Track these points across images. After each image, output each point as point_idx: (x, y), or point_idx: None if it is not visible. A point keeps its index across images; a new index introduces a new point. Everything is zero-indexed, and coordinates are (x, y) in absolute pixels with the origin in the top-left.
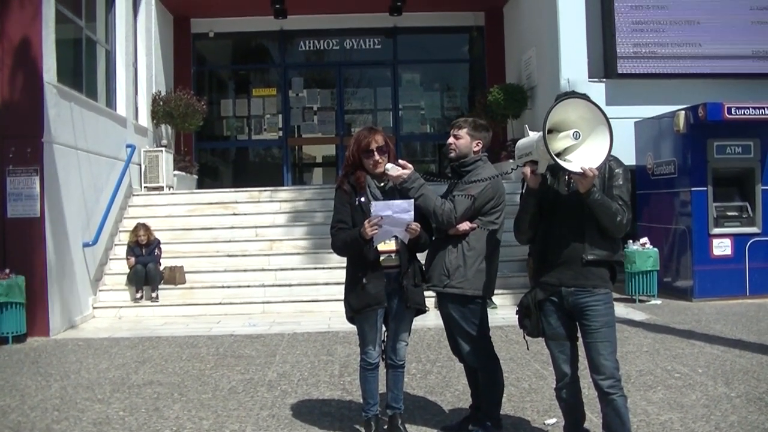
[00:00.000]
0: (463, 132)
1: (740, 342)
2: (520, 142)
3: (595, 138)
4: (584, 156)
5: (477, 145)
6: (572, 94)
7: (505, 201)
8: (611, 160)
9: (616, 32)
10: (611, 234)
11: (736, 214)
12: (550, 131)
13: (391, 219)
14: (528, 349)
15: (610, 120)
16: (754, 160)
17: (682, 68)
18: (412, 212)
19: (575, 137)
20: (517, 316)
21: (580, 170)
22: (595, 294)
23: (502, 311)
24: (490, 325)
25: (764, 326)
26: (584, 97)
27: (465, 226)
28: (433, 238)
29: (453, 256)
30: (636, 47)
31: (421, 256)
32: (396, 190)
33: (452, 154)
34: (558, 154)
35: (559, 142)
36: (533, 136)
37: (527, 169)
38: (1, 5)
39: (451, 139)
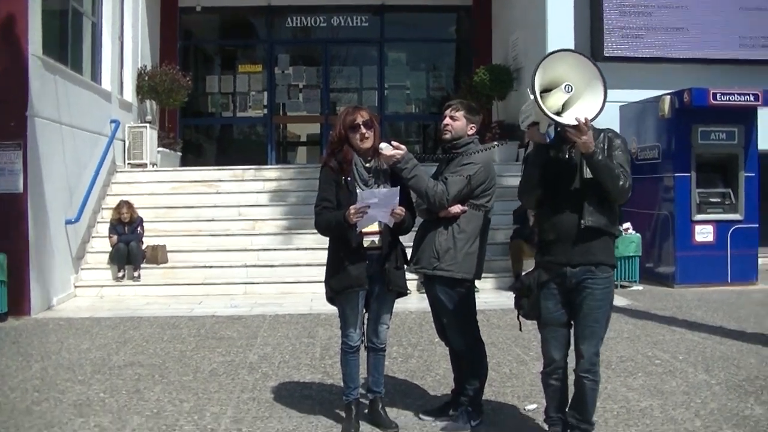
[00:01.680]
0: (459, 114)
1: (721, 329)
2: (523, 107)
3: (590, 93)
4: (581, 111)
5: (471, 128)
6: (561, 50)
7: (495, 184)
8: (609, 132)
9: (603, 15)
10: (614, 198)
11: (718, 200)
12: (547, 90)
13: (377, 206)
14: (521, 330)
15: (603, 74)
16: (737, 146)
17: (668, 52)
18: (398, 199)
19: (567, 90)
20: (514, 295)
21: (574, 122)
22: (597, 276)
23: (484, 295)
24: None
25: (745, 313)
26: (572, 50)
27: (456, 208)
28: (421, 220)
29: (443, 239)
30: (623, 30)
31: (405, 239)
32: (382, 171)
33: (447, 135)
34: (557, 113)
35: (553, 99)
36: (532, 98)
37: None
38: None
39: (447, 120)
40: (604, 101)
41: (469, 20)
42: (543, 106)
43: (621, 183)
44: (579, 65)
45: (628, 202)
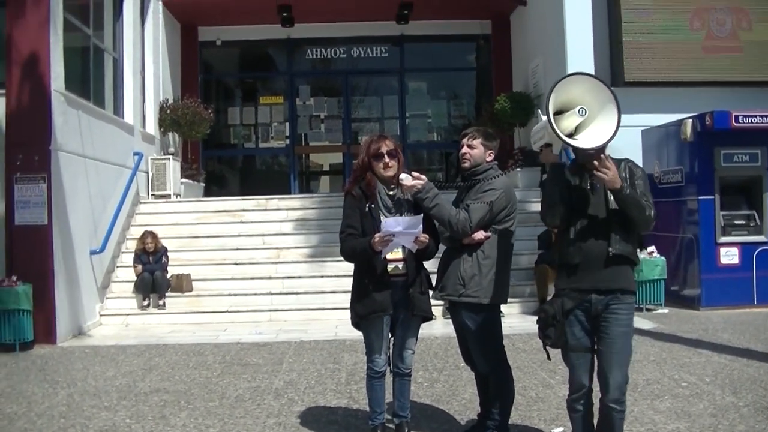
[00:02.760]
0: (477, 142)
1: (748, 351)
2: (534, 128)
3: (604, 116)
4: (595, 134)
5: (489, 155)
6: (575, 73)
7: (516, 209)
8: (629, 163)
9: (623, 40)
10: (641, 228)
11: (743, 222)
12: (560, 112)
13: (401, 233)
14: (549, 358)
15: (617, 98)
16: (761, 168)
17: (689, 76)
18: (422, 227)
19: (581, 114)
20: (537, 325)
21: (586, 146)
22: (622, 301)
23: (509, 319)
24: None
25: None
26: (587, 74)
27: (480, 235)
28: (444, 247)
29: (468, 265)
30: (643, 55)
31: (429, 264)
32: (405, 200)
33: (466, 164)
34: (570, 135)
35: (567, 121)
36: (545, 119)
37: (543, 153)
38: (8, 14)
39: (464, 149)
40: (618, 125)
41: (489, 48)
42: (557, 129)
43: (648, 213)
44: (593, 89)
45: (654, 225)
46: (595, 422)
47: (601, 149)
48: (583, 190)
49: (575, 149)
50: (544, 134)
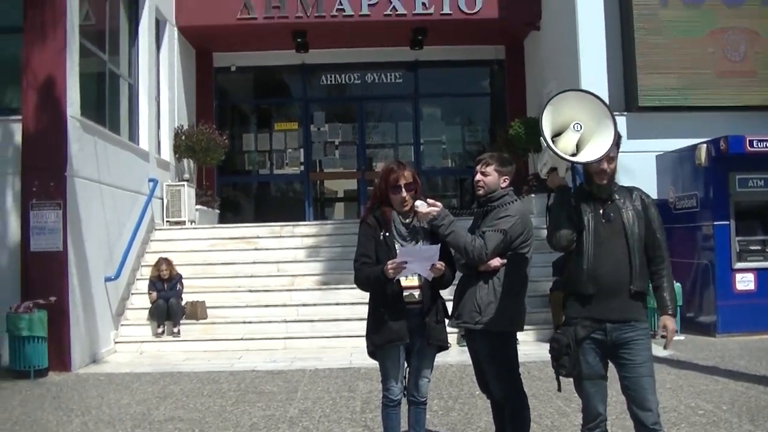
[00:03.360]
0: (490, 169)
1: (765, 378)
2: (540, 155)
3: (601, 128)
4: (595, 148)
5: (504, 181)
6: (563, 91)
7: (533, 235)
8: (641, 192)
9: (637, 64)
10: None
11: (759, 248)
12: (558, 134)
13: (416, 261)
14: (559, 390)
15: (609, 107)
16: None
17: (703, 101)
18: (437, 256)
19: (576, 129)
20: (550, 354)
21: (590, 158)
22: (637, 328)
23: (525, 347)
24: None
25: None
26: (574, 90)
27: (496, 262)
28: (461, 274)
29: (484, 293)
30: (657, 80)
31: (445, 293)
32: (420, 228)
33: (480, 191)
34: (573, 155)
35: (565, 140)
36: (544, 144)
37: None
38: (25, 40)
39: (478, 176)
40: (616, 133)
41: (503, 73)
42: (554, 148)
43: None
44: (584, 104)
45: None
46: None
47: (606, 156)
48: (596, 217)
49: (584, 169)
50: (548, 159)
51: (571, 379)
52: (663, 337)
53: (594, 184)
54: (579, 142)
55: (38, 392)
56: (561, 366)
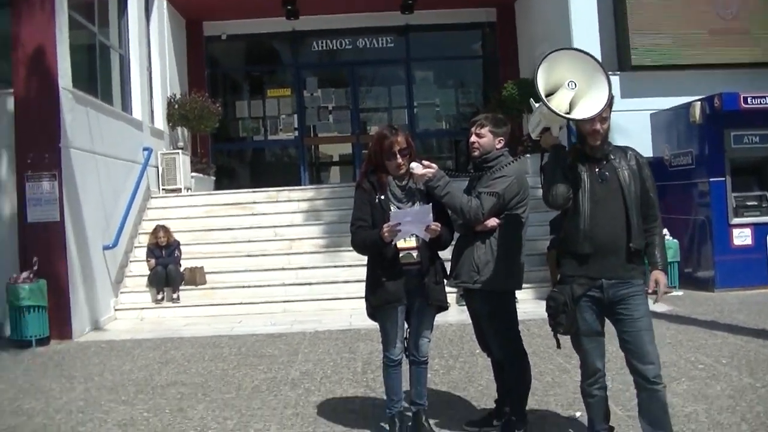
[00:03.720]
0: (485, 130)
1: (764, 331)
2: (531, 117)
3: (595, 87)
4: (590, 105)
5: (499, 142)
6: (556, 50)
7: (529, 195)
8: (635, 152)
9: (629, 24)
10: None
11: (755, 203)
12: (551, 94)
13: (411, 223)
14: (558, 347)
15: (606, 70)
16: None
17: (696, 58)
18: (431, 216)
19: (570, 87)
20: (547, 313)
21: (586, 115)
22: (634, 285)
23: (524, 305)
24: None
25: None
26: (567, 48)
27: (492, 222)
28: (458, 234)
29: (481, 252)
30: (649, 39)
31: (443, 254)
32: (416, 189)
33: (476, 153)
34: (567, 113)
35: (558, 99)
36: (538, 106)
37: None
38: (14, 13)
39: (473, 138)
40: (610, 90)
41: (494, 36)
42: (550, 105)
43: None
44: (578, 62)
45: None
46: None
47: (600, 115)
48: (592, 177)
49: (577, 126)
50: (540, 119)
51: (570, 337)
52: (654, 292)
53: (587, 144)
54: (573, 100)
55: (40, 361)
56: (558, 324)
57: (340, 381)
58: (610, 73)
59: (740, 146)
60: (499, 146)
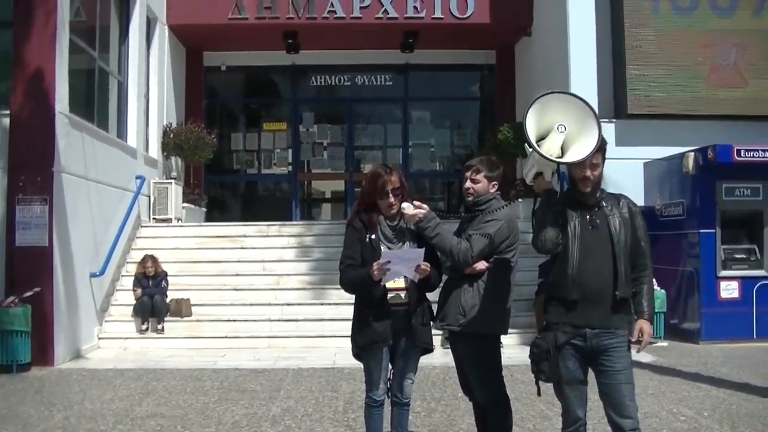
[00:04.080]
0: (481, 176)
1: (747, 385)
2: (525, 162)
3: (585, 131)
4: (580, 148)
5: (493, 186)
6: (544, 94)
7: (519, 240)
8: (628, 200)
9: (627, 74)
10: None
11: (744, 256)
12: (542, 138)
13: (400, 263)
14: (539, 394)
15: (596, 114)
16: (763, 202)
17: (692, 109)
18: (422, 259)
19: (560, 130)
20: (530, 359)
21: (576, 158)
22: (617, 335)
23: (508, 350)
24: None
25: None
26: (557, 92)
27: (481, 265)
28: (445, 277)
29: (469, 295)
30: (646, 88)
31: (431, 296)
32: (407, 230)
33: (470, 199)
34: (559, 157)
35: (549, 143)
36: (530, 150)
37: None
38: (16, 34)
39: (468, 184)
40: (600, 133)
41: (493, 78)
42: (538, 148)
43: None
44: (569, 107)
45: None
46: None
47: (589, 159)
48: (583, 223)
49: (569, 172)
50: (533, 163)
51: (552, 385)
52: (638, 342)
53: (578, 191)
54: (564, 145)
55: (20, 386)
56: (540, 371)
57: (321, 419)
58: (606, 120)
59: (731, 198)
60: (492, 190)
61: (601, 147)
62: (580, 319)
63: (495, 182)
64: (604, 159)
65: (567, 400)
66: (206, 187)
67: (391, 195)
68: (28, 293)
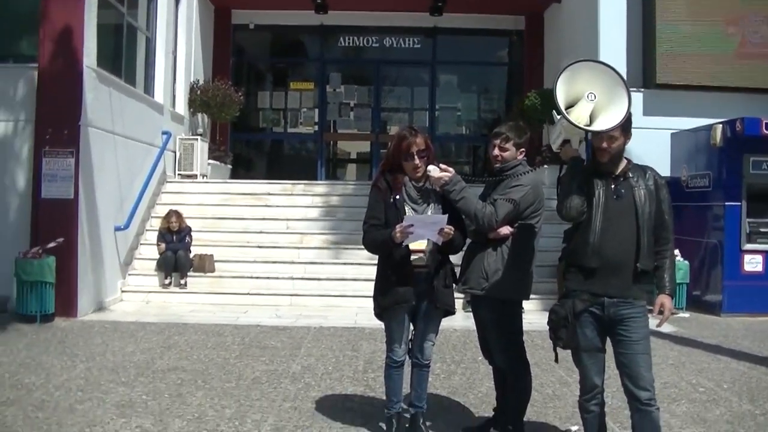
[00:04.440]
0: (509, 145)
1: (767, 359)
2: (552, 129)
3: (615, 100)
4: (609, 117)
5: (521, 153)
6: (576, 61)
7: (544, 206)
8: (654, 173)
9: (657, 41)
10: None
11: None
12: (571, 106)
13: (423, 227)
14: (557, 361)
15: (626, 82)
16: None
17: (721, 80)
18: (445, 224)
19: (590, 99)
20: (548, 326)
21: (605, 127)
22: (635, 306)
23: (529, 316)
24: None
25: None
26: (588, 60)
27: (505, 230)
28: (469, 241)
29: (492, 260)
30: (676, 57)
31: (454, 258)
32: (432, 191)
33: (498, 165)
34: (587, 125)
35: (578, 111)
36: (558, 118)
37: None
38: None
39: (496, 152)
40: (630, 102)
41: (522, 44)
42: (569, 117)
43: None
44: (599, 74)
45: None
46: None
47: (618, 128)
48: (607, 193)
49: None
50: (561, 131)
51: (570, 352)
52: (660, 313)
53: (596, 160)
54: (592, 113)
55: (44, 337)
56: (558, 338)
57: (341, 378)
58: (634, 89)
59: (758, 172)
60: (520, 157)
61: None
62: (599, 288)
63: (523, 149)
64: (625, 133)
65: (585, 368)
66: (232, 144)
67: (416, 156)
68: (52, 244)
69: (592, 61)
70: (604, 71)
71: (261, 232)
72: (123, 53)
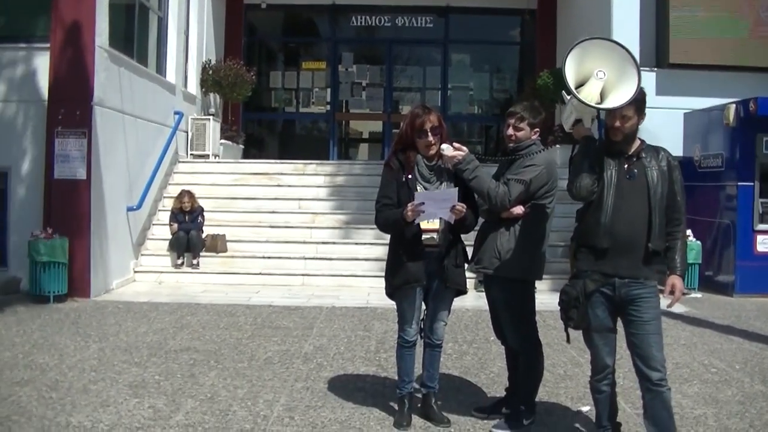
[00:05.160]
0: (524, 124)
1: None
2: (564, 109)
3: (625, 77)
4: (619, 95)
5: (535, 133)
6: (583, 40)
7: (557, 186)
8: (667, 153)
9: (670, 21)
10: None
11: None
12: (581, 85)
13: (435, 205)
14: (568, 342)
15: (636, 60)
16: None
17: (734, 60)
18: (456, 200)
19: (599, 76)
20: (559, 306)
21: (616, 104)
22: (646, 286)
23: (541, 296)
24: None
25: None
26: (596, 38)
27: (518, 209)
28: (482, 220)
29: (505, 239)
30: (689, 37)
31: (467, 238)
32: (445, 169)
33: (512, 145)
34: (598, 104)
35: (589, 89)
36: (569, 97)
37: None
38: None
39: (511, 131)
40: (639, 80)
41: (534, 23)
42: (579, 96)
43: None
44: (608, 52)
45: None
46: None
47: (627, 105)
48: (620, 173)
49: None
50: (572, 110)
51: (581, 332)
52: (671, 293)
53: (608, 140)
54: (603, 91)
55: (57, 317)
56: (569, 318)
57: (353, 358)
58: (647, 69)
59: None
60: (534, 137)
61: (636, 99)
62: (610, 268)
63: (537, 129)
64: (639, 112)
65: (596, 348)
66: (244, 124)
67: (430, 133)
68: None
69: (601, 39)
70: (613, 48)
71: (273, 212)
72: (135, 33)
